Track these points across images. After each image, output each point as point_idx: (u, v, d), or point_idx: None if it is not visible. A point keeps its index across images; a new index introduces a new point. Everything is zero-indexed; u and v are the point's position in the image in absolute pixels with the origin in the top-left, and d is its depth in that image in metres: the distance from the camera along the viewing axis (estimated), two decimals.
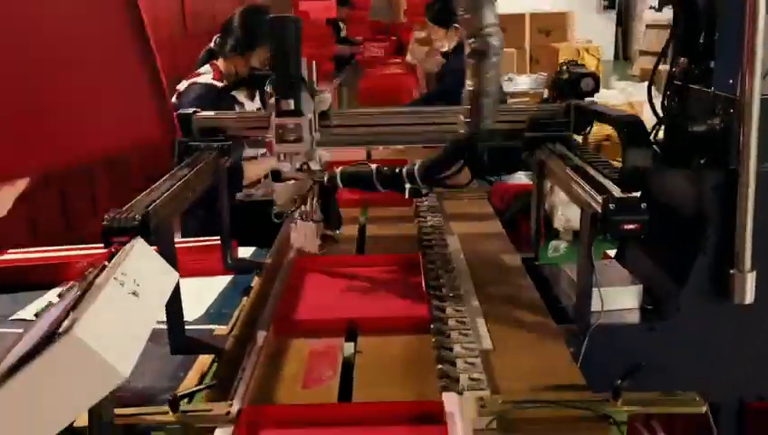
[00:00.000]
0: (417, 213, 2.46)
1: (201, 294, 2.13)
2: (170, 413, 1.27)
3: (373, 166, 1.84)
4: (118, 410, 1.26)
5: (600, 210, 1.47)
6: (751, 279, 1.58)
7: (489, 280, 1.90)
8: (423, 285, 1.80)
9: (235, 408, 1.29)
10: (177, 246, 1.71)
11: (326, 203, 1.80)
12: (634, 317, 1.74)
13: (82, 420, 1.23)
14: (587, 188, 1.59)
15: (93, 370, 0.93)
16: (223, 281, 2.23)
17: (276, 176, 1.79)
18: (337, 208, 1.85)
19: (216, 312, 2.01)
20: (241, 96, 3.14)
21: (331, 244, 1.85)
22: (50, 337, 0.93)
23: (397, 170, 1.80)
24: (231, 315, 1.89)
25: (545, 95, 2.35)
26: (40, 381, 0.92)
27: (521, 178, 3.44)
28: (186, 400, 1.30)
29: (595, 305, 1.70)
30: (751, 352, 1.70)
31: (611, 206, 1.42)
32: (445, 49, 4.20)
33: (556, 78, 2.11)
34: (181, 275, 1.67)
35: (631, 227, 1.40)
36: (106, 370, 0.94)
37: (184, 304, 1.68)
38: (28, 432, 0.93)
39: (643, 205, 1.41)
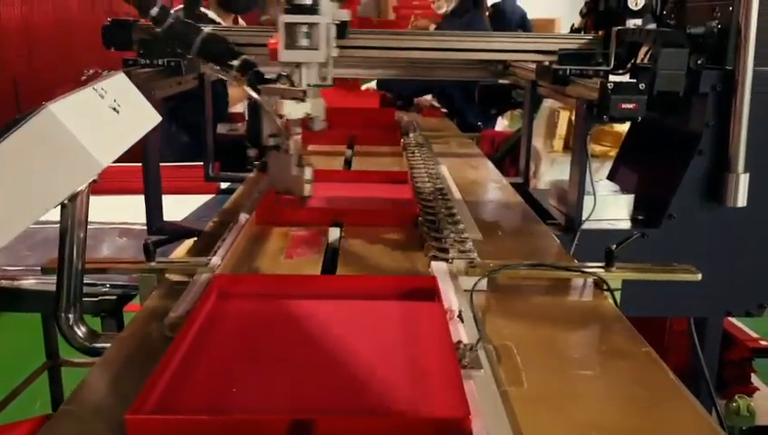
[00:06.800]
0: (405, 147, 2.42)
1: (180, 208, 2.07)
2: (144, 261, 1.21)
3: None
4: (91, 258, 1.19)
5: (597, 95, 1.44)
6: (744, 181, 1.56)
7: (478, 193, 1.87)
8: (411, 191, 1.76)
9: (214, 261, 1.22)
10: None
11: None
12: (625, 225, 1.71)
13: (53, 263, 1.17)
14: (586, 82, 1.56)
15: (69, 152, 0.88)
16: (204, 198, 2.18)
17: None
18: None
19: (194, 219, 1.94)
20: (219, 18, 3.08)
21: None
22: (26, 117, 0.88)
23: None
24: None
25: (576, 23, 2.02)
26: (12, 160, 0.86)
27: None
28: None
29: (585, 215, 1.67)
30: (743, 264, 1.67)
31: (609, 86, 1.39)
32: (443, 10, 4.12)
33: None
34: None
35: (629, 106, 1.38)
36: (82, 154, 0.88)
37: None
38: (5, 212, 0.86)
39: (641, 85, 1.39)
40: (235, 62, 1.45)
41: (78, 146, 0.88)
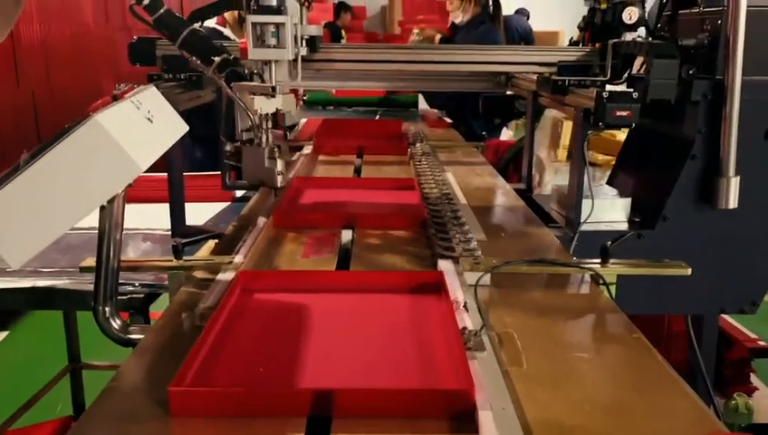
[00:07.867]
0: (412, 156, 2.51)
1: (199, 215, 2.17)
2: (173, 260, 1.31)
3: None
4: (124, 257, 1.29)
5: (593, 103, 1.53)
6: (735, 184, 1.64)
7: (482, 198, 1.96)
8: (418, 196, 1.85)
9: (237, 259, 1.32)
10: None
11: None
12: (622, 227, 1.80)
13: (90, 262, 1.27)
14: (584, 92, 1.65)
15: (112, 157, 0.98)
16: (220, 206, 2.28)
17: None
18: None
19: (213, 225, 2.04)
20: (234, 36, 3.19)
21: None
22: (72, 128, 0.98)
23: None
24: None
25: (574, 37, 2.16)
26: (62, 165, 0.96)
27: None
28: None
29: (584, 217, 1.76)
30: (735, 263, 1.76)
31: (605, 95, 1.48)
32: (459, 20, 4.16)
33: (590, 12, 1.94)
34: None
35: (623, 113, 1.47)
36: (124, 159, 0.98)
37: None
38: (50, 216, 0.96)
39: (634, 94, 1.48)
40: (216, 59, 1.53)
41: (121, 152, 0.98)
